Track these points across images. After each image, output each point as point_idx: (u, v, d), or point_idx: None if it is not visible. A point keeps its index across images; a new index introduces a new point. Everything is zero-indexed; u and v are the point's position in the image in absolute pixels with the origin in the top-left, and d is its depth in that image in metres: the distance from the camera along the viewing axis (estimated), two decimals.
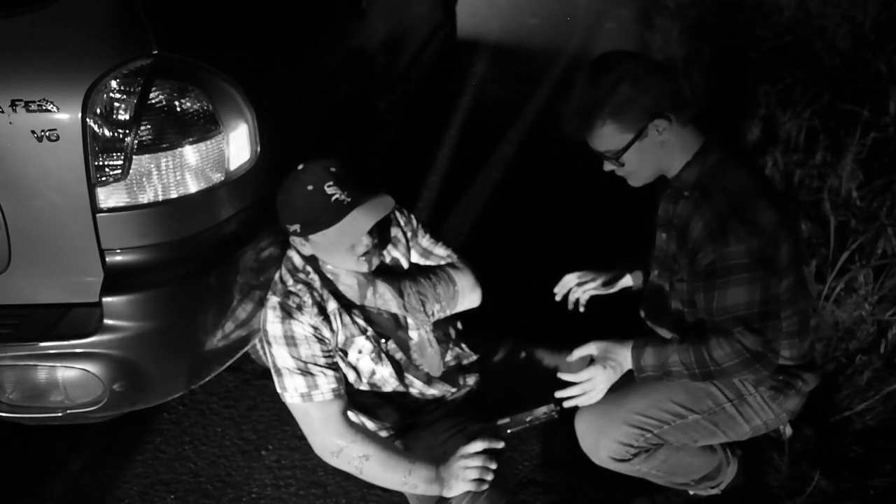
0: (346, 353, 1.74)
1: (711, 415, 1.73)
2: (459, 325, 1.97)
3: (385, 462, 1.65)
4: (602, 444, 1.71)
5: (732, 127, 3.91)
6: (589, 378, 1.68)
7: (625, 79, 1.55)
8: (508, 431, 1.71)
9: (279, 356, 1.67)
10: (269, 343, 1.69)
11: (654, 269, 1.83)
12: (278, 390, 1.69)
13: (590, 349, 1.72)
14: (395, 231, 1.87)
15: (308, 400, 1.65)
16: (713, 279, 1.57)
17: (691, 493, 1.96)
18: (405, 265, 1.87)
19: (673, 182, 1.68)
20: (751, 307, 1.56)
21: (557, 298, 1.98)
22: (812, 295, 2.58)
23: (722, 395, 1.72)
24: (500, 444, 1.64)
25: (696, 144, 1.64)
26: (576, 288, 1.95)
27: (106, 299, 1.59)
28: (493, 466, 1.62)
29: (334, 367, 1.69)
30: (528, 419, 1.71)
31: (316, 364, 1.66)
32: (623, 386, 1.75)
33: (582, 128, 1.61)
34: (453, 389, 1.86)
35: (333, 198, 1.61)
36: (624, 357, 1.69)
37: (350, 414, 1.74)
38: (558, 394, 1.71)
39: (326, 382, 1.66)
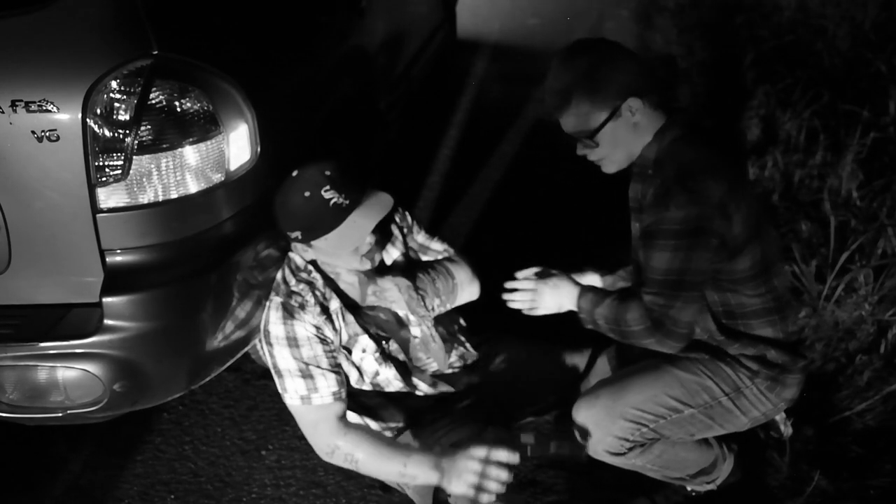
0: (349, 352, 1.74)
1: (707, 409, 1.73)
2: (462, 322, 1.97)
3: (380, 454, 1.64)
4: (598, 437, 1.72)
5: (732, 127, 3.91)
6: (534, 288, 1.77)
7: (599, 59, 1.61)
8: (529, 453, 1.67)
9: (280, 357, 1.67)
10: (270, 344, 1.68)
11: (633, 265, 1.82)
12: (279, 390, 1.69)
13: (536, 270, 1.82)
14: (391, 229, 1.87)
15: (307, 402, 1.65)
16: (646, 239, 1.61)
17: (689, 488, 1.96)
18: (402, 262, 1.87)
19: (637, 161, 1.70)
20: (668, 274, 1.58)
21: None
22: (813, 291, 2.58)
23: (718, 389, 1.72)
24: (516, 459, 1.54)
25: (660, 125, 1.67)
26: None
27: (106, 299, 1.59)
28: (505, 478, 1.52)
29: (336, 368, 1.69)
30: (554, 450, 1.68)
31: (318, 366, 1.66)
32: (619, 380, 1.76)
33: (558, 105, 1.64)
34: (457, 390, 1.86)
35: (332, 202, 1.61)
36: (568, 290, 1.76)
37: (353, 415, 1.74)
38: (505, 296, 1.76)
39: (326, 385, 1.66)
